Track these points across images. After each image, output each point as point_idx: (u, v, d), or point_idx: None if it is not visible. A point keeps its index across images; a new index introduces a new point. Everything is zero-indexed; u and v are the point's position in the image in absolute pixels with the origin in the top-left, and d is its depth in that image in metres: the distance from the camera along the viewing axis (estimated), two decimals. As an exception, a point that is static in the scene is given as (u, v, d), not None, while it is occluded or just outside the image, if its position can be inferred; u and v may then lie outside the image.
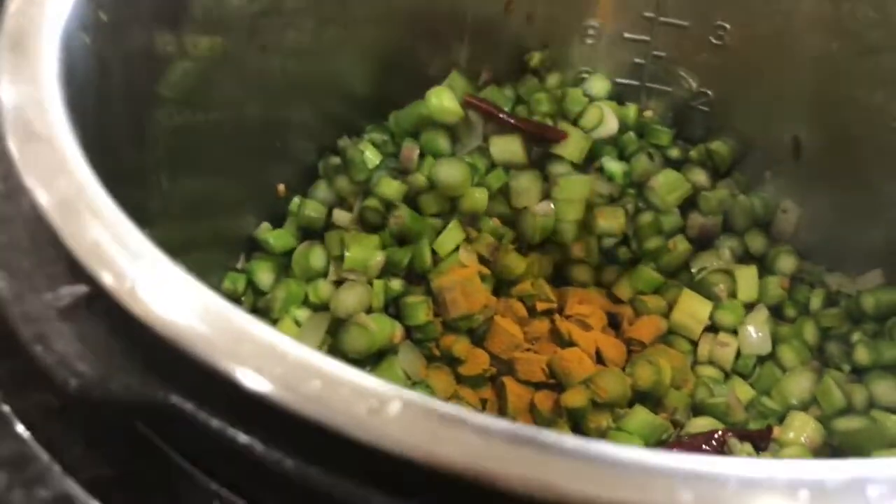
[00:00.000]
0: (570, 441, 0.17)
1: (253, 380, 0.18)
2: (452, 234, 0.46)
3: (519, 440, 0.17)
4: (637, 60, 0.51)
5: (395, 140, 0.50)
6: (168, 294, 0.19)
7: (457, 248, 0.46)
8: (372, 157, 0.48)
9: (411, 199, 0.47)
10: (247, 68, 0.43)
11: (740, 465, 0.17)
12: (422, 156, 0.48)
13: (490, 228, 0.47)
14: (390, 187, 0.46)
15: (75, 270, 0.21)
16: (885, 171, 0.46)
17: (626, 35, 0.50)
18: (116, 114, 0.33)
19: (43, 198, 0.21)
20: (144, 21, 0.35)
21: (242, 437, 0.18)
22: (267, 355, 0.18)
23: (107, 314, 0.20)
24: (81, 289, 0.21)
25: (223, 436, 0.18)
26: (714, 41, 0.49)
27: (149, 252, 0.20)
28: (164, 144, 0.38)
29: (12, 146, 0.22)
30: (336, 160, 0.49)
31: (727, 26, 0.48)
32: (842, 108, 0.47)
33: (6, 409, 0.20)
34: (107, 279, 0.19)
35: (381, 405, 0.17)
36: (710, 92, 0.51)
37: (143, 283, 0.19)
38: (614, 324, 0.47)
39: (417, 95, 0.51)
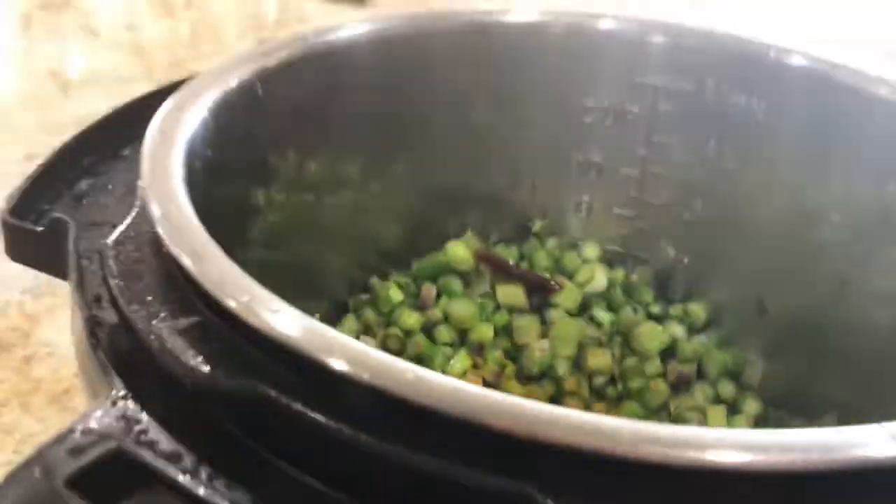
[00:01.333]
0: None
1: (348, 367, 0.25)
2: (462, 360, 0.53)
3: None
4: (624, 231, 0.61)
5: (416, 283, 0.58)
6: (276, 312, 0.27)
7: (465, 373, 0.53)
8: (395, 294, 0.56)
9: (427, 330, 0.55)
10: (294, 216, 0.52)
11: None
12: (438, 296, 0.57)
13: (494, 358, 0.54)
14: (410, 318, 0.54)
15: (191, 306, 0.29)
16: (840, 332, 0.54)
17: (615, 210, 0.60)
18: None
19: (182, 257, 0.29)
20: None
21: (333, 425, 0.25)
22: (358, 354, 0.25)
23: (214, 333, 0.28)
24: (195, 318, 0.28)
25: (314, 422, 0.25)
26: (687, 217, 0.58)
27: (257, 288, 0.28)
28: None
29: (161, 231, 0.31)
30: (365, 297, 0.57)
31: (698, 206, 0.58)
32: (796, 277, 0.55)
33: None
34: (230, 303, 0.27)
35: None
36: (685, 260, 0.60)
37: (257, 304, 0.27)
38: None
39: (438, 249, 0.61)
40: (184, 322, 0.28)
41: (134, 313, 0.29)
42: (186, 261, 0.28)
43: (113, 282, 0.30)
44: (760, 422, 0.55)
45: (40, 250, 0.36)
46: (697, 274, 0.60)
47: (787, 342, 0.57)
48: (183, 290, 0.29)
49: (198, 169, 0.38)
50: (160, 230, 0.30)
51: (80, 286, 0.31)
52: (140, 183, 0.34)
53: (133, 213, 0.34)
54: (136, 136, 0.39)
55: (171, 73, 1.02)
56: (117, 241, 0.32)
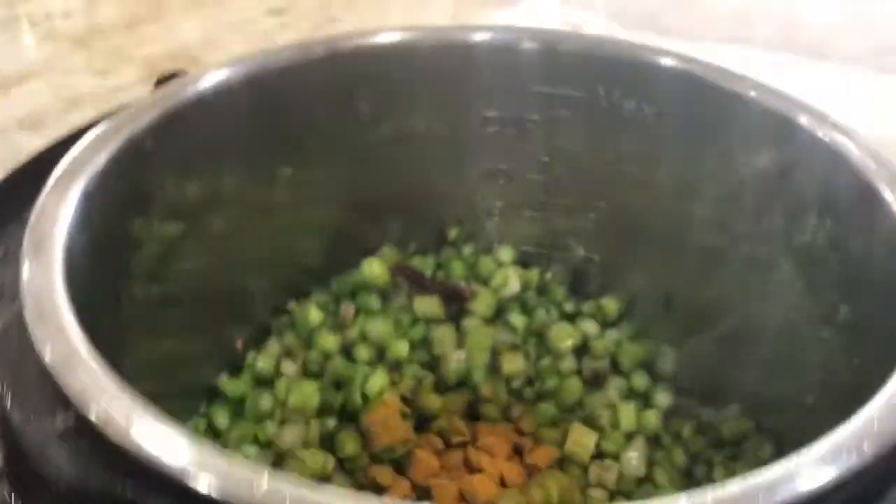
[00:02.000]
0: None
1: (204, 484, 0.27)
2: (379, 379, 0.55)
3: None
4: (535, 232, 0.63)
5: (336, 301, 0.60)
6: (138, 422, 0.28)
7: (382, 391, 0.55)
8: (315, 317, 0.58)
9: (347, 350, 0.57)
10: (209, 248, 0.53)
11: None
12: (357, 313, 0.58)
13: (411, 373, 0.56)
14: (328, 340, 0.56)
15: (68, 405, 0.30)
16: (745, 324, 0.56)
17: (527, 213, 0.62)
18: (100, 289, 0.43)
19: (48, 355, 0.30)
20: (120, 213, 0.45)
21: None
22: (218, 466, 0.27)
23: (89, 438, 0.29)
24: (69, 421, 0.30)
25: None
26: (593, 217, 0.60)
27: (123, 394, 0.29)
28: (136, 313, 0.47)
29: (27, 319, 0.32)
30: (284, 318, 0.58)
31: (602, 205, 0.59)
32: (696, 270, 0.57)
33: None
34: (92, 414, 0.28)
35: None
36: (596, 258, 0.62)
37: (117, 416, 0.28)
38: (518, 452, 0.56)
39: (357, 263, 0.62)
40: (59, 424, 0.30)
41: (14, 411, 0.30)
42: (52, 366, 0.30)
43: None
44: (672, 414, 0.58)
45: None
46: (608, 271, 0.62)
47: (695, 332, 0.59)
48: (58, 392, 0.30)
49: (93, 221, 0.40)
50: (31, 330, 0.31)
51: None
52: (21, 274, 0.35)
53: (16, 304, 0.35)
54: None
55: (113, 62, 1.01)
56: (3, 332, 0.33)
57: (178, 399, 0.54)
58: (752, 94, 0.49)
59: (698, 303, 0.59)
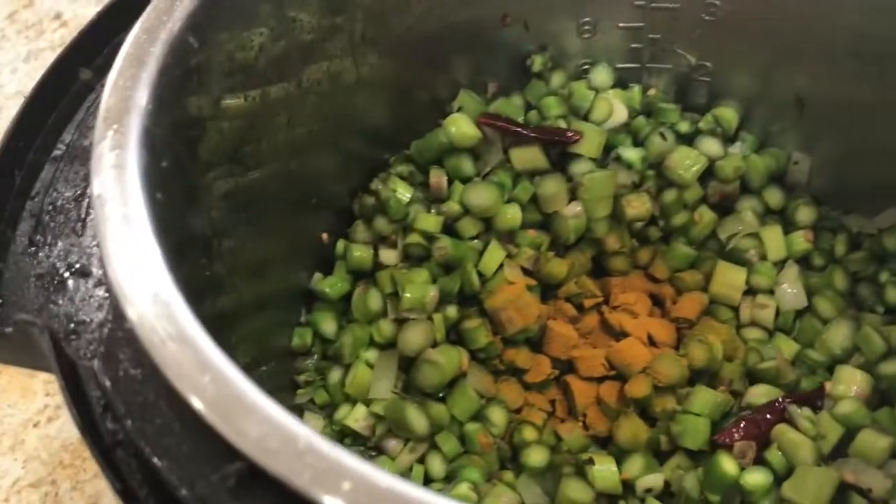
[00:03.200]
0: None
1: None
2: (494, 255, 0.48)
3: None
4: (634, 45, 0.53)
5: (420, 169, 0.52)
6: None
7: (501, 266, 0.49)
8: (404, 193, 0.50)
9: (449, 227, 0.50)
10: (274, 123, 0.45)
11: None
12: (450, 182, 0.51)
13: (527, 241, 0.49)
14: (428, 222, 0.49)
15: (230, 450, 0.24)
16: (886, 114, 0.48)
17: (621, 25, 0.52)
18: (178, 189, 0.36)
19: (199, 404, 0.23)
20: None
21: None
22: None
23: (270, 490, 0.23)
24: (240, 465, 0.24)
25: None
26: (707, 17, 0.50)
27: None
28: (216, 211, 0.40)
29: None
30: (369, 199, 0.51)
31: (717, 2, 0.49)
32: (837, 63, 0.48)
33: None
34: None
35: None
36: (708, 64, 0.53)
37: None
38: (658, 303, 0.50)
39: (431, 119, 0.53)
40: (227, 474, 0.23)
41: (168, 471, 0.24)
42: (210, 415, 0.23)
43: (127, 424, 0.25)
44: (818, 230, 0.51)
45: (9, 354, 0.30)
46: (723, 76, 0.53)
47: (829, 133, 0.52)
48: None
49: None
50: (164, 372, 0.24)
51: (86, 431, 0.26)
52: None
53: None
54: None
55: None
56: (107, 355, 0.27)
57: (277, 309, 0.48)
58: None
59: (833, 98, 0.50)
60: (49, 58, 0.91)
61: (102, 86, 0.39)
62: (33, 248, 0.34)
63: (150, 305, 0.26)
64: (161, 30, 0.35)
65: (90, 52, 0.43)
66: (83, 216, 0.35)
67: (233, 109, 0.41)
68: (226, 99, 0.40)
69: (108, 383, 0.26)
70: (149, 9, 0.35)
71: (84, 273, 0.33)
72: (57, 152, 0.38)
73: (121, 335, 0.27)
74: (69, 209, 0.35)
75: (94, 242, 0.34)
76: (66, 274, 0.33)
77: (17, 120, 0.37)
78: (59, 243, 0.34)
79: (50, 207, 0.35)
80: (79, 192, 0.36)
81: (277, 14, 0.41)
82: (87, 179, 0.37)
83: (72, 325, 0.30)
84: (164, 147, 0.33)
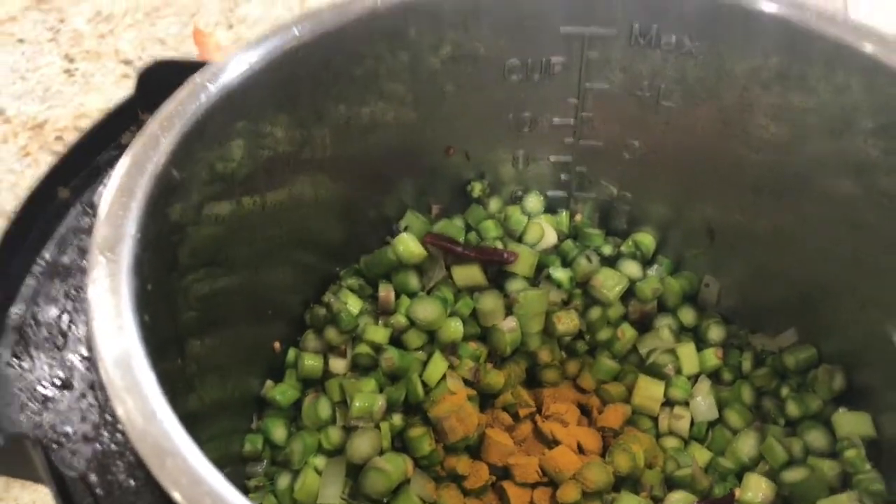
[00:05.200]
0: None
1: None
2: (438, 366, 0.52)
3: None
4: (563, 176, 0.59)
5: (369, 282, 0.56)
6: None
7: (443, 377, 0.52)
8: (354, 306, 0.54)
9: (395, 338, 0.53)
10: (241, 236, 0.48)
11: None
12: (396, 295, 0.55)
13: (468, 353, 0.53)
14: (377, 334, 0.52)
15: None
16: (785, 244, 0.55)
17: (552, 158, 0.58)
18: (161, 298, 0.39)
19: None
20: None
21: None
22: None
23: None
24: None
25: None
26: (627, 155, 0.57)
27: None
28: (190, 313, 0.43)
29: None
30: (321, 311, 0.54)
31: (636, 143, 0.56)
32: (740, 196, 0.55)
33: None
34: None
35: None
36: (628, 194, 0.59)
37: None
38: (585, 412, 0.55)
39: (379, 235, 0.58)
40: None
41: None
42: None
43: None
44: (727, 347, 0.57)
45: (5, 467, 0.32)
46: (642, 205, 0.60)
47: (737, 260, 0.58)
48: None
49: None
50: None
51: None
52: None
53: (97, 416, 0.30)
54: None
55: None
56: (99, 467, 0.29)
57: (231, 415, 0.50)
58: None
59: (737, 229, 0.57)
60: (-12, 154, 0.92)
61: (81, 205, 0.42)
62: (17, 361, 0.36)
63: (143, 423, 0.29)
64: (148, 163, 0.38)
65: (68, 173, 0.46)
66: (65, 330, 0.37)
67: (209, 218, 0.44)
68: (203, 209, 0.43)
69: (99, 491, 0.28)
70: (136, 143, 0.39)
71: (66, 386, 0.35)
72: (38, 268, 0.40)
73: (114, 448, 0.30)
74: (50, 324, 0.37)
75: (76, 357, 0.36)
76: (50, 387, 0.35)
77: (3, 238, 0.39)
78: (42, 356, 0.36)
79: (32, 322, 0.37)
80: (60, 308, 0.38)
81: (250, 143, 0.45)
82: (67, 295, 0.39)
83: (58, 437, 0.32)
84: (150, 269, 0.36)
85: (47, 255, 0.40)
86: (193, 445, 0.28)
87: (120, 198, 0.37)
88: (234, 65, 0.43)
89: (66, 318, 0.37)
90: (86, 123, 0.95)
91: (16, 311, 0.38)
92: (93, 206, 0.43)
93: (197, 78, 0.43)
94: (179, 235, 0.41)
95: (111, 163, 0.47)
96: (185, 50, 1.03)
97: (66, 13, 1.09)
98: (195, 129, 0.40)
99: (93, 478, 0.28)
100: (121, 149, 0.49)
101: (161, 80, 0.49)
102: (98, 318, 0.32)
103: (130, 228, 0.36)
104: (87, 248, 0.36)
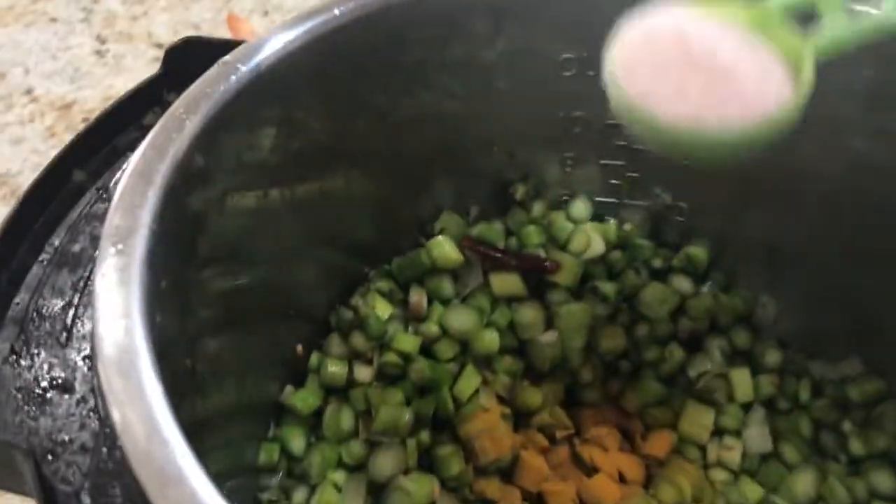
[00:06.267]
0: None
1: None
2: (470, 380, 0.48)
3: None
4: (613, 181, 0.55)
5: (399, 286, 0.52)
6: None
7: (476, 392, 0.48)
8: (383, 310, 0.50)
9: (426, 347, 0.50)
10: (267, 229, 0.45)
11: None
12: (429, 301, 0.51)
13: (504, 367, 0.49)
14: (407, 342, 0.49)
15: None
16: (852, 263, 0.51)
17: (602, 161, 0.54)
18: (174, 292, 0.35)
19: None
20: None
21: None
22: None
23: None
24: None
25: None
26: (685, 161, 0.52)
27: None
28: (205, 310, 0.40)
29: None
30: (348, 314, 0.51)
31: (696, 149, 0.52)
32: (808, 209, 0.51)
33: None
34: None
35: None
36: (683, 204, 0.55)
37: None
38: (626, 435, 0.51)
39: (412, 236, 0.54)
40: None
41: None
42: None
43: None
44: (783, 373, 0.53)
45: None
46: (696, 217, 0.55)
47: (797, 279, 0.54)
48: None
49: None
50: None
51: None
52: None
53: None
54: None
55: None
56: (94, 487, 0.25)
57: (245, 422, 0.47)
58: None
59: (805, 247, 0.52)
60: (15, 132, 0.90)
61: (97, 189, 0.39)
62: (14, 357, 0.33)
63: (145, 442, 0.25)
64: (170, 147, 0.35)
65: (85, 154, 0.43)
66: (69, 326, 0.34)
67: (232, 209, 0.41)
68: (226, 199, 0.40)
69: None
70: (158, 125, 0.36)
71: (67, 388, 0.32)
72: (45, 256, 0.37)
73: (111, 466, 0.26)
74: (54, 318, 0.34)
75: (79, 356, 0.33)
76: (49, 388, 0.31)
77: (8, 220, 0.36)
78: (42, 353, 0.33)
79: (35, 315, 0.34)
80: (65, 300, 0.35)
81: (282, 132, 0.42)
82: (74, 288, 0.36)
83: (53, 446, 0.29)
84: (165, 263, 0.33)
85: (56, 242, 0.37)
86: (202, 473, 0.25)
87: (136, 184, 0.33)
88: (268, 46, 0.40)
89: (71, 312, 0.34)
90: (113, 106, 0.93)
91: (18, 301, 0.34)
92: (108, 192, 0.40)
93: (228, 58, 0.39)
94: (200, 227, 0.38)
95: (132, 145, 0.44)
96: (218, 36, 1.01)
97: (100, -7, 1.07)
98: (223, 114, 0.37)
99: (86, 499, 0.25)
100: (143, 130, 0.46)
101: (190, 58, 0.45)
102: (103, 315, 0.29)
103: (146, 218, 0.32)
104: (99, 236, 0.33)
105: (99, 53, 1.00)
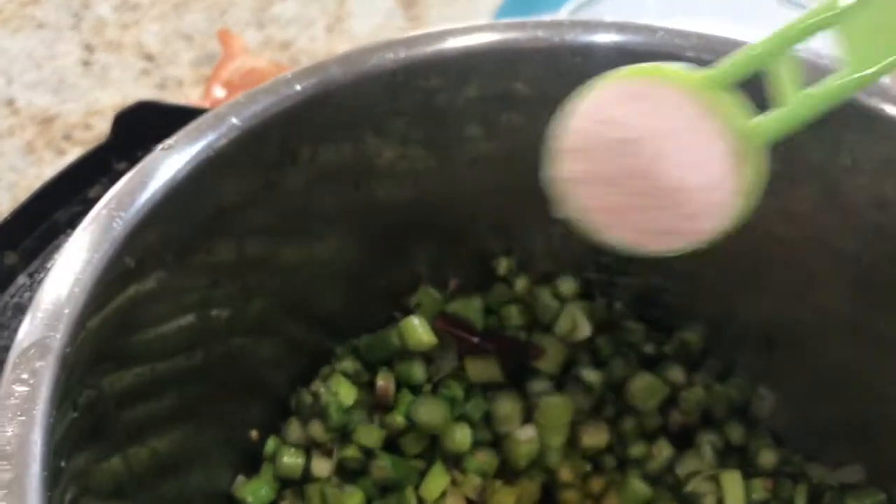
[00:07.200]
0: None
1: None
2: (438, 480, 0.45)
3: None
4: (603, 258, 0.51)
5: (366, 367, 0.48)
6: None
7: (443, 493, 0.45)
8: (346, 395, 0.46)
9: (391, 440, 0.46)
10: (218, 298, 0.41)
11: None
12: (398, 387, 0.47)
13: (475, 466, 0.46)
14: (369, 436, 0.45)
15: None
16: (860, 357, 0.47)
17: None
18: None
19: None
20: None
21: None
22: None
23: None
24: None
25: None
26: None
27: None
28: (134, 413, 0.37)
29: None
30: (308, 398, 0.47)
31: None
32: (812, 291, 0.47)
33: None
34: None
35: None
36: (676, 282, 0.51)
37: None
38: (606, 541, 0.47)
39: (385, 310, 0.50)
40: None
41: None
42: None
43: None
44: (778, 475, 0.49)
45: None
46: (691, 297, 0.51)
47: (797, 371, 0.50)
48: None
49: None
50: None
51: None
52: None
53: None
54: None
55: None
56: None
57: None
58: None
59: (809, 334, 0.48)
60: (-6, 144, 0.87)
61: (28, 274, 0.36)
62: None
63: None
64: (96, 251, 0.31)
65: (21, 232, 0.39)
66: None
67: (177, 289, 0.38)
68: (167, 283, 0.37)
69: None
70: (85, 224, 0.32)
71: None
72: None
73: None
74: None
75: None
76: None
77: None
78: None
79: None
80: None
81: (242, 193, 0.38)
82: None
83: None
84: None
85: (-28, 342, 0.33)
86: None
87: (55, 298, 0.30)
88: (214, 126, 0.36)
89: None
90: (97, 121, 0.89)
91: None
92: (39, 278, 0.36)
93: (170, 141, 0.35)
94: (132, 322, 0.35)
95: (73, 221, 0.40)
96: (210, 49, 0.97)
97: (92, -2, 1.03)
98: (154, 212, 0.33)
99: None
100: (87, 204, 0.42)
101: (141, 123, 0.42)
102: None
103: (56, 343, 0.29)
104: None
105: (86, 64, 0.96)
